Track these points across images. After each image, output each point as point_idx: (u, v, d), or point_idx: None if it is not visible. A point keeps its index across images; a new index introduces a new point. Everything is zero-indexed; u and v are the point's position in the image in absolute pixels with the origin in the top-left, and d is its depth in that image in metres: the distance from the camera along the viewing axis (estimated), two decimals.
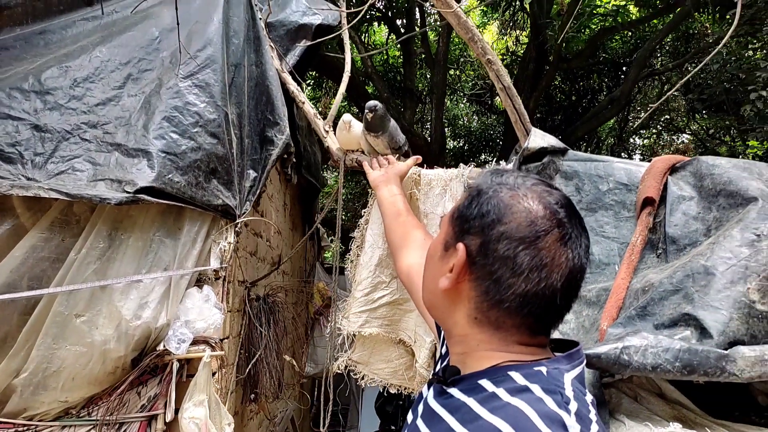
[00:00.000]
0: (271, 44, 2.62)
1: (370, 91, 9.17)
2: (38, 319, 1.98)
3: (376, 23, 9.08)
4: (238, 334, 2.80)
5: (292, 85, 2.63)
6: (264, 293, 3.11)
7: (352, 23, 2.46)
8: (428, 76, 10.39)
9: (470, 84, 11.95)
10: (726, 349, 1.29)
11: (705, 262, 1.43)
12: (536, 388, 0.75)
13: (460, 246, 0.85)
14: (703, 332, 1.34)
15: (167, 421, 2.09)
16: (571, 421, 0.70)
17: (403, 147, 2.46)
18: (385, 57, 10.27)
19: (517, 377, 0.78)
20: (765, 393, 1.65)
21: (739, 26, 5.46)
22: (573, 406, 0.73)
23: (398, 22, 8.84)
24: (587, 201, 1.88)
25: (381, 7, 8.35)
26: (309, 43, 2.64)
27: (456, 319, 0.88)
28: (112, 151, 2.08)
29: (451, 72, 10.47)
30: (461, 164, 2.26)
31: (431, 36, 9.60)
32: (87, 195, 1.94)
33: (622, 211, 1.82)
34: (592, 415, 0.76)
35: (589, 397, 0.79)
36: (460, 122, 12.42)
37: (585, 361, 0.86)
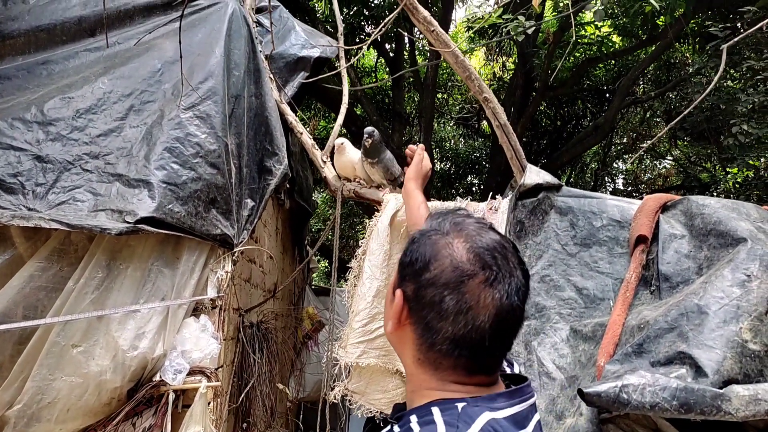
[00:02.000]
0: (271, 76, 2.67)
1: (358, 113, 9.26)
2: (34, 350, 1.97)
3: (365, 47, 9.22)
4: (232, 362, 2.79)
5: (291, 116, 2.68)
6: (257, 320, 3.11)
7: (350, 62, 2.52)
8: (416, 99, 10.52)
9: (457, 107, 12.13)
10: (721, 388, 1.33)
11: (698, 301, 1.48)
12: (440, 422, 0.78)
13: (398, 292, 0.89)
14: (698, 371, 1.39)
15: None
16: None
17: (399, 178, 2.50)
18: (374, 80, 10.38)
19: (435, 412, 0.81)
20: (757, 429, 1.69)
21: (718, 57, 5.64)
22: None
23: (387, 46, 8.97)
24: (581, 236, 1.93)
25: (370, 31, 8.48)
26: (308, 80, 2.69)
27: (405, 359, 0.92)
28: (114, 181, 2.10)
29: (439, 95, 10.62)
30: (458, 198, 2.30)
31: (420, 60, 9.74)
32: (87, 225, 1.95)
33: (615, 247, 1.87)
34: None
35: None
36: (447, 145, 12.56)
37: (532, 397, 0.89)
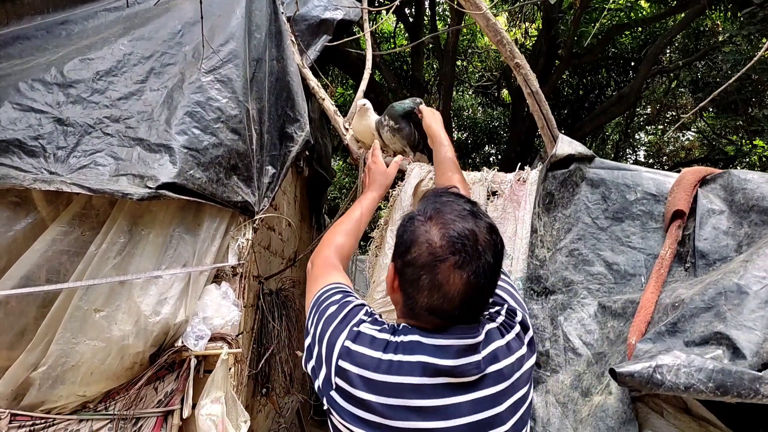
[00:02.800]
0: (293, 39, 2.59)
1: (377, 79, 9.10)
2: (57, 313, 1.98)
3: (384, 12, 8.99)
4: (251, 329, 2.81)
5: (313, 81, 2.61)
6: (276, 288, 3.11)
7: (375, 26, 2.43)
8: (435, 66, 10.31)
9: (477, 75, 11.88)
10: (760, 371, 1.28)
11: (738, 280, 1.42)
12: (385, 323, 1.11)
13: (390, 265, 1.12)
14: (735, 352, 1.34)
15: (184, 417, 2.10)
16: (379, 336, 1.05)
17: (419, 145, 2.45)
18: (393, 46, 10.17)
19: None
20: None
21: (752, 25, 5.41)
22: (393, 337, 1.05)
23: (407, 11, 8.74)
24: (614, 210, 1.87)
25: None
26: (332, 42, 2.61)
27: (397, 314, 1.15)
28: (135, 146, 2.06)
29: (459, 63, 10.39)
30: (485, 168, 2.24)
31: (440, 26, 9.50)
32: (109, 190, 1.93)
33: (649, 222, 1.80)
34: (398, 354, 1.02)
35: (414, 358, 1.01)
36: (465, 114, 12.35)
37: (473, 338, 1.04)
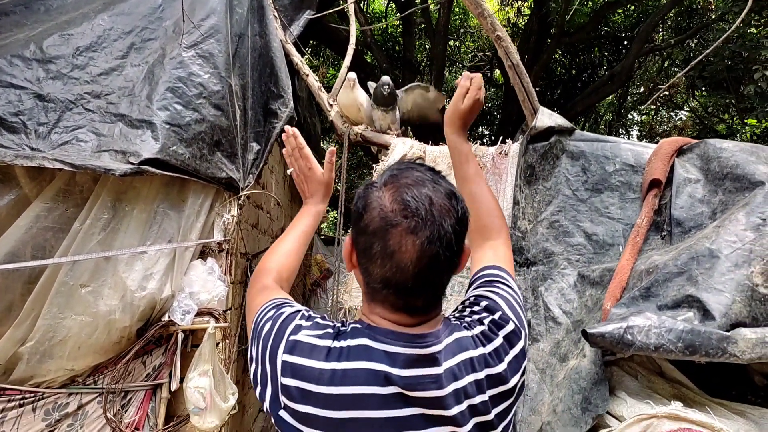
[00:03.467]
0: (276, 14, 2.58)
1: (368, 60, 9.04)
2: (43, 289, 1.99)
3: None
4: (240, 305, 2.83)
5: (296, 57, 2.60)
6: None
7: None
8: (427, 46, 10.22)
9: (470, 56, 11.80)
10: (728, 331, 1.31)
11: (710, 245, 1.45)
12: (332, 324, 1.00)
13: (347, 238, 1.02)
14: (705, 314, 1.37)
15: (172, 390, 2.13)
16: (319, 343, 0.94)
17: (403, 123, 2.46)
18: (384, 26, 10.07)
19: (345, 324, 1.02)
20: (762, 374, 1.69)
21: (743, 2, 5.38)
22: (335, 343, 0.94)
23: None
24: (593, 181, 1.89)
25: None
26: (314, 15, 2.59)
27: (363, 295, 1.04)
28: (116, 122, 2.06)
29: (451, 43, 10.32)
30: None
31: (432, 6, 9.42)
32: (92, 166, 1.93)
33: (627, 192, 1.83)
34: (341, 361, 0.92)
35: (361, 365, 0.92)
36: None
37: (428, 348, 0.94)
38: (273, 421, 0.96)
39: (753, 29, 6.36)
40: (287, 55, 2.58)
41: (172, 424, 2.15)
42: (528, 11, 9.72)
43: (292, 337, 0.97)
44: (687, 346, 1.30)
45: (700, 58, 1.84)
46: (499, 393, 0.97)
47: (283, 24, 2.62)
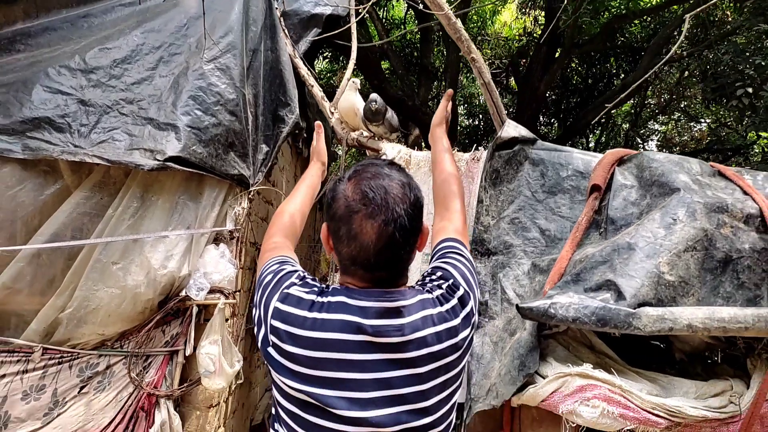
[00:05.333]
0: (285, 32, 2.92)
1: (385, 66, 9.33)
2: (81, 265, 2.36)
3: (368, 6, 9.18)
4: (249, 289, 3.17)
5: (303, 70, 2.93)
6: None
7: (359, 17, 2.74)
8: (445, 53, 10.47)
9: (486, 63, 12.01)
10: (634, 309, 1.60)
11: (629, 239, 1.74)
12: (317, 285, 1.19)
13: (324, 226, 1.21)
14: (619, 295, 1.66)
15: (186, 355, 2.47)
16: (306, 297, 1.14)
17: (398, 128, 2.78)
18: (402, 32, 10.32)
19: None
20: (681, 350, 1.98)
21: (755, 17, 5.48)
22: (318, 298, 1.13)
23: None
24: (549, 185, 2.18)
25: None
26: (321, 36, 2.93)
27: (339, 270, 1.24)
28: (146, 124, 2.42)
29: None
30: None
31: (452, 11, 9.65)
32: (125, 161, 2.29)
33: (576, 195, 2.12)
34: (322, 312, 1.11)
35: (338, 316, 1.11)
36: (476, 101, 12.51)
37: (395, 301, 1.14)
38: (262, 355, 1.16)
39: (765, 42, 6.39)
40: (295, 68, 2.92)
41: (185, 385, 2.50)
42: (544, 20, 9.92)
43: (285, 291, 1.17)
44: (599, 320, 1.59)
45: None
46: (454, 343, 1.16)
47: (292, 41, 2.96)
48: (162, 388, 2.45)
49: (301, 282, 1.21)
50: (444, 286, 1.23)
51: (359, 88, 2.82)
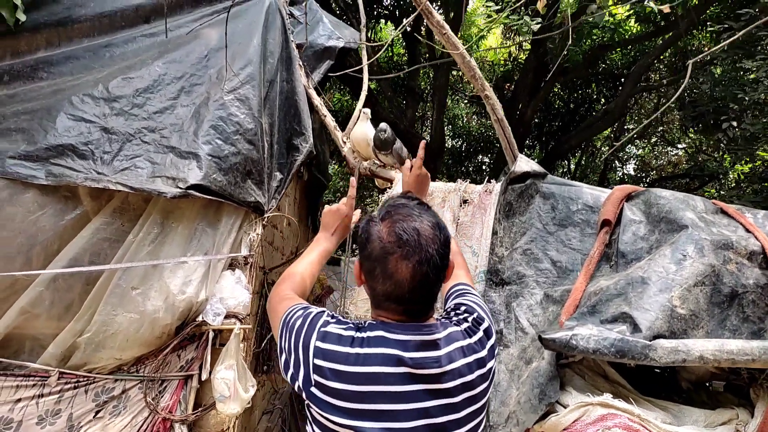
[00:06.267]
0: (301, 64, 3.02)
1: (372, 87, 9.46)
2: (100, 290, 2.38)
3: (383, 21, 9.35)
4: (255, 313, 3.21)
5: (317, 100, 3.03)
6: (276, 280, 3.52)
7: (372, 59, 2.85)
8: (431, 75, 10.65)
9: (472, 85, 12.24)
10: (650, 341, 1.71)
11: (642, 273, 1.85)
12: (353, 323, 1.25)
13: (356, 261, 1.28)
14: (635, 327, 1.76)
15: (202, 380, 2.51)
16: (345, 333, 1.20)
17: (406, 159, 2.88)
18: (390, 54, 10.48)
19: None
20: (688, 380, 2.08)
21: (732, 48, 5.72)
22: (357, 334, 1.20)
23: (404, 20, 9.08)
24: (560, 218, 2.30)
25: (389, 5, 8.62)
26: (337, 73, 3.03)
27: (370, 304, 1.31)
28: (168, 152, 2.47)
29: (454, 72, 10.79)
30: (459, 180, 2.67)
31: (436, 37, 9.85)
32: (148, 188, 2.34)
33: (586, 228, 2.23)
34: (364, 347, 1.18)
35: (379, 350, 1.17)
36: (460, 122, 12.70)
37: (431, 334, 1.21)
38: (304, 396, 1.21)
39: (741, 72, 6.69)
40: (309, 98, 3.02)
41: (200, 410, 2.52)
42: (529, 46, 10.20)
43: (323, 329, 1.22)
44: (618, 351, 1.69)
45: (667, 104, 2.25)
46: (482, 374, 1.23)
47: (307, 72, 3.05)
48: (176, 413, 2.48)
49: (334, 320, 1.27)
50: (470, 319, 1.31)
51: (370, 117, 2.92)
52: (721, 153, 9.80)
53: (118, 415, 2.41)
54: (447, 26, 2.43)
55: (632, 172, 13.11)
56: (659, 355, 1.67)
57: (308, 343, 1.22)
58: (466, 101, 12.60)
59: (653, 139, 12.17)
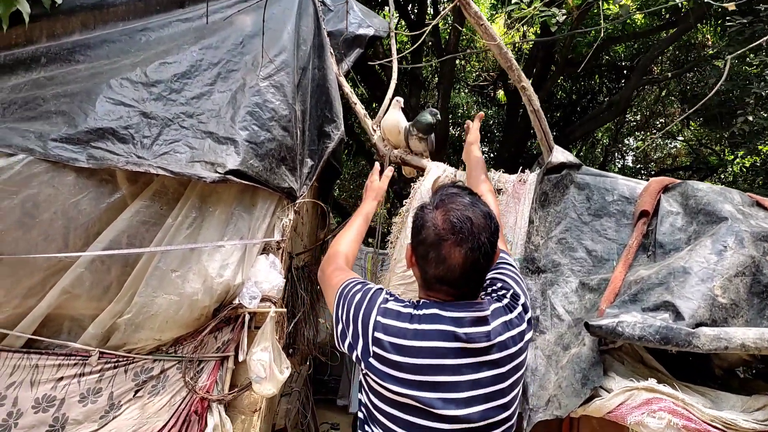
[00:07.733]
0: (332, 51, 3.03)
1: (382, 77, 9.45)
2: (140, 272, 2.41)
3: (387, 8, 9.31)
4: (283, 297, 3.25)
5: (347, 87, 3.05)
6: (302, 263, 3.56)
7: (402, 55, 2.86)
8: (434, 64, 10.61)
9: (474, 74, 12.24)
10: (693, 329, 1.76)
11: (684, 264, 1.91)
12: (408, 301, 1.35)
13: (408, 245, 1.39)
14: (678, 315, 1.82)
15: (239, 361, 2.55)
16: (404, 310, 1.31)
17: (434, 149, 2.92)
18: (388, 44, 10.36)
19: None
20: (720, 367, 2.15)
21: (738, 43, 5.77)
22: (415, 311, 1.30)
23: (410, 8, 9.04)
24: (595, 208, 2.34)
25: None
26: (368, 62, 3.03)
27: (417, 284, 1.42)
28: (206, 138, 2.49)
29: (457, 61, 10.77)
30: (491, 170, 2.71)
31: (441, 24, 9.83)
32: (188, 173, 2.36)
33: (622, 219, 2.28)
34: (422, 324, 1.28)
35: (435, 327, 1.28)
36: (460, 111, 12.69)
37: (482, 311, 1.32)
38: (363, 366, 1.31)
39: (746, 67, 6.75)
40: (339, 86, 3.03)
41: (236, 390, 2.57)
42: (533, 36, 10.19)
43: (383, 306, 1.34)
44: (662, 338, 1.74)
45: (700, 104, 2.29)
46: (522, 345, 1.35)
47: (338, 59, 3.07)
48: (214, 393, 2.52)
49: (393, 298, 1.37)
50: (508, 295, 1.43)
51: (402, 106, 2.94)
52: (721, 146, 9.88)
53: (157, 394, 2.46)
54: (484, 17, 2.45)
55: (631, 164, 13.20)
56: (702, 342, 1.73)
57: (368, 317, 1.32)
58: (467, 90, 12.59)
59: (655, 132, 12.24)
